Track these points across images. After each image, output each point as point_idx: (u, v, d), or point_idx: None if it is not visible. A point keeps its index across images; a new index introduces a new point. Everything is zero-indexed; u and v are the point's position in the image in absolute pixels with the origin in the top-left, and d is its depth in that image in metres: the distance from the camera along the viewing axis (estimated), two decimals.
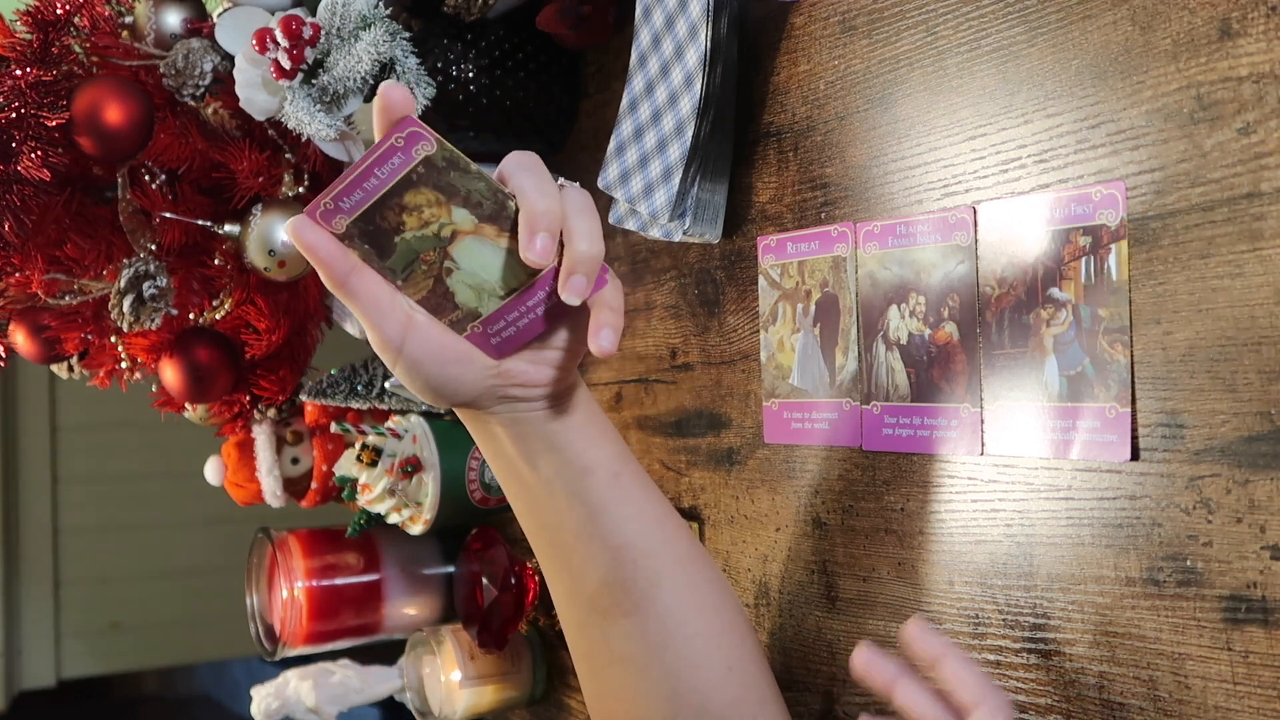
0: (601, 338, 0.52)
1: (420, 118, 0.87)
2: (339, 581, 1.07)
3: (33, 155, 0.79)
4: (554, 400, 0.59)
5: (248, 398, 1.05)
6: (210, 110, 0.93)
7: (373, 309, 0.54)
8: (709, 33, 0.72)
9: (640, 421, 0.90)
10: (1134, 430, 0.54)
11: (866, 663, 0.54)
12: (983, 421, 0.62)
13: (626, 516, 0.61)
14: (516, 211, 0.51)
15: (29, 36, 0.83)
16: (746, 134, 0.78)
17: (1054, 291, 0.58)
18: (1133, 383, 0.54)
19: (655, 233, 0.79)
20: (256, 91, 0.84)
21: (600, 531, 0.60)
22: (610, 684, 0.62)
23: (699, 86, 0.72)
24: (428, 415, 1.03)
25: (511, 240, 0.51)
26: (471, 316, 0.54)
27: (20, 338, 0.96)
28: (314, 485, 1.09)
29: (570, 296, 0.51)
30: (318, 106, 0.83)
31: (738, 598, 0.69)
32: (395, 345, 0.55)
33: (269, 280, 0.94)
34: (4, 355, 0.94)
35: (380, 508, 1.01)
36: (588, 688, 0.64)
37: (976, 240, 0.62)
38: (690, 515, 0.84)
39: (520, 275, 0.52)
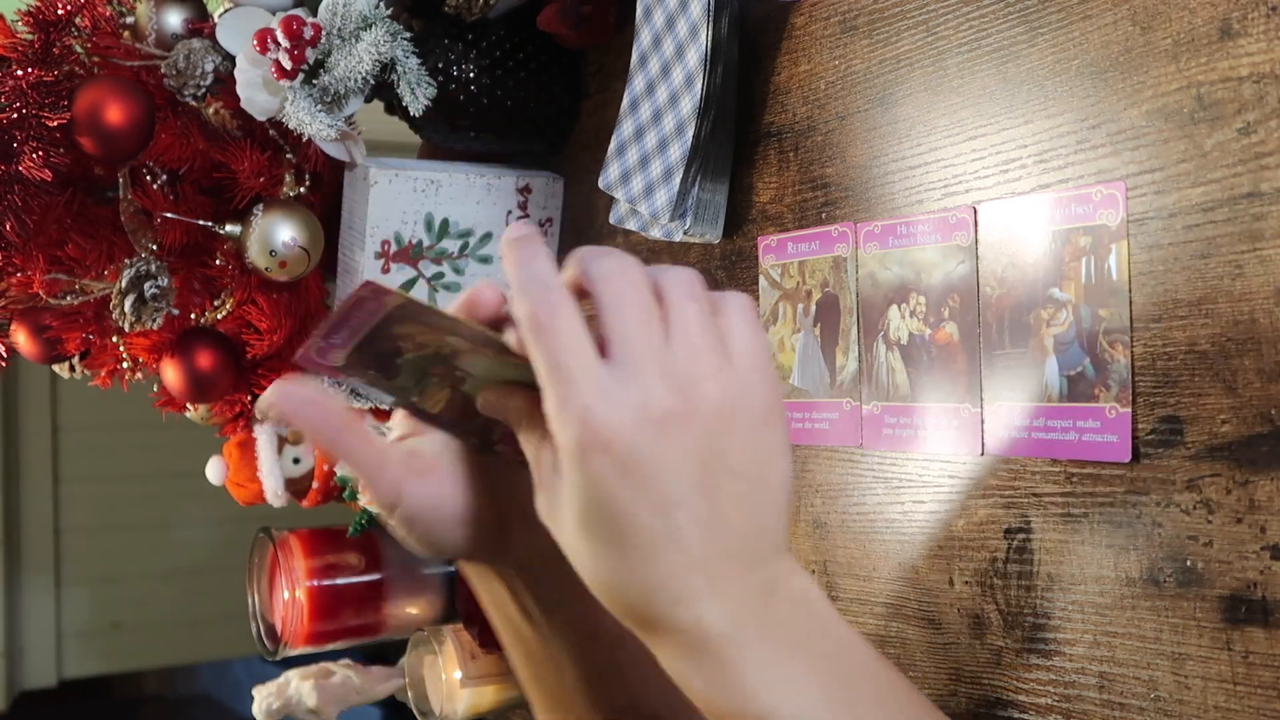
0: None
1: (421, 117, 0.87)
2: (340, 581, 1.07)
3: (34, 155, 0.79)
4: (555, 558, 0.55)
5: (249, 397, 1.05)
6: (211, 110, 0.93)
7: (365, 468, 0.51)
8: (709, 33, 0.72)
9: None
10: (1134, 430, 0.54)
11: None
12: (983, 421, 0.62)
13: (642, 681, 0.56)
14: (504, 343, 0.48)
15: (30, 37, 0.83)
16: (747, 134, 0.78)
17: (1054, 291, 0.58)
18: (1133, 383, 0.54)
19: (656, 233, 0.79)
20: (257, 92, 0.84)
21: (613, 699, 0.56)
22: None
23: (700, 86, 0.72)
24: None
25: (512, 356, 0.49)
26: (493, 425, 0.52)
27: (22, 338, 0.96)
28: (315, 485, 1.09)
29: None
30: (319, 107, 0.83)
31: None
32: (390, 502, 0.52)
33: (270, 280, 0.94)
34: (5, 355, 0.94)
35: None
36: None
37: (977, 240, 0.62)
38: None
39: (533, 385, 0.50)
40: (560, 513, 0.44)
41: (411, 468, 0.53)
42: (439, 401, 0.52)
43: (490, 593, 0.58)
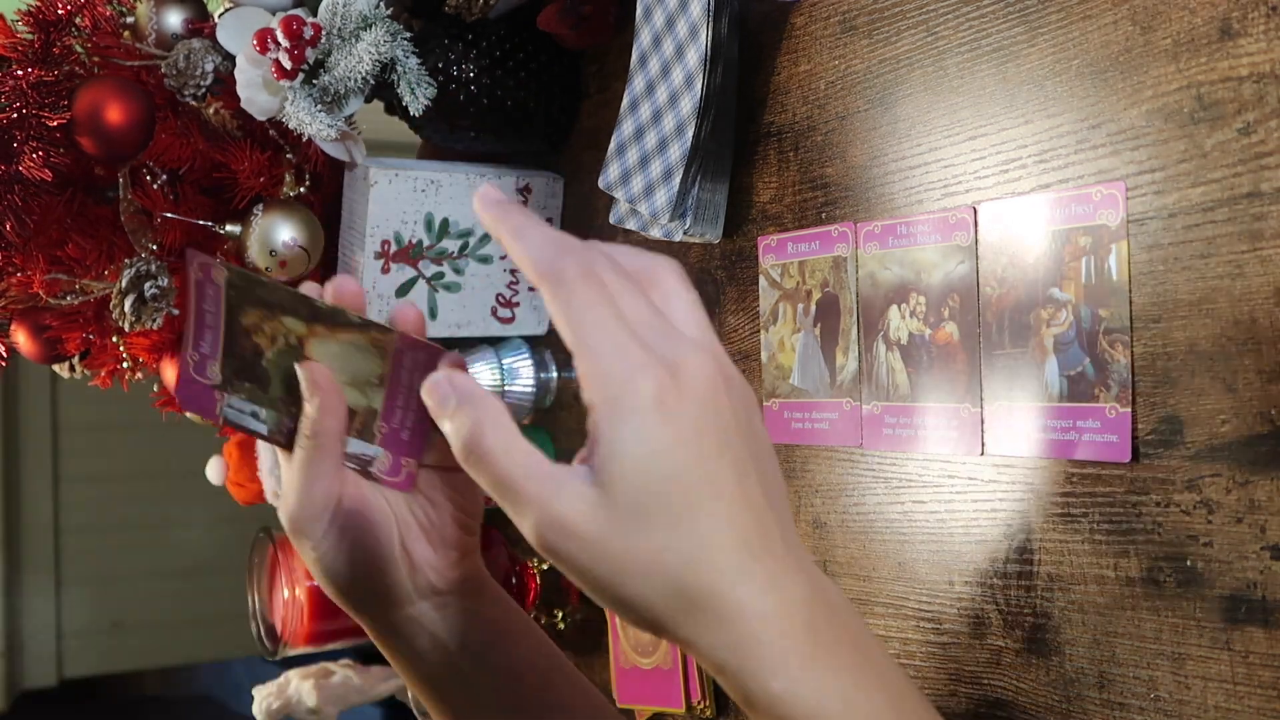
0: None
1: (421, 117, 0.87)
2: None
3: (34, 155, 0.79)
4: (464, 591, 0.55)
5: None
6: (211, 110, 0.93)
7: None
8: (709, 33, 0.72)
9: None
10: (1134, 430, 0.54)
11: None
12: (983, 421, 0.62)
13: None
14: (327, 307, 0.50)
15: (30, 36, 0.83)
16: (747, 134, 0.78)
17: (1054, 291, 0.58)
18: (1133, 383, 0.54)
19: (656, 233, 0.79)
20: (258, 92, 0.84)
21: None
22: None
23: (699, 86, 0.72)
24: None
25: (343, 332, 0.50)
26: (371, 415, 0.52)
27: (22, 338, 0.96)
28: None
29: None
30: (319, 106, 0.83)
31: None
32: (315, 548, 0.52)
33: None
34: (5, 355, 0.94)
35: None
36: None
37: (977, 240, 0.62)
38: None
39: (375, 361, 0.50)
40: (602, 518, 0.40)
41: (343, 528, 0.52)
42: None
43: (403, 644, 0.55)
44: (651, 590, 0.40)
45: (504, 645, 0.55)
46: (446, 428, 0.42)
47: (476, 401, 0.41)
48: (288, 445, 0.52)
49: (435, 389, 0.42)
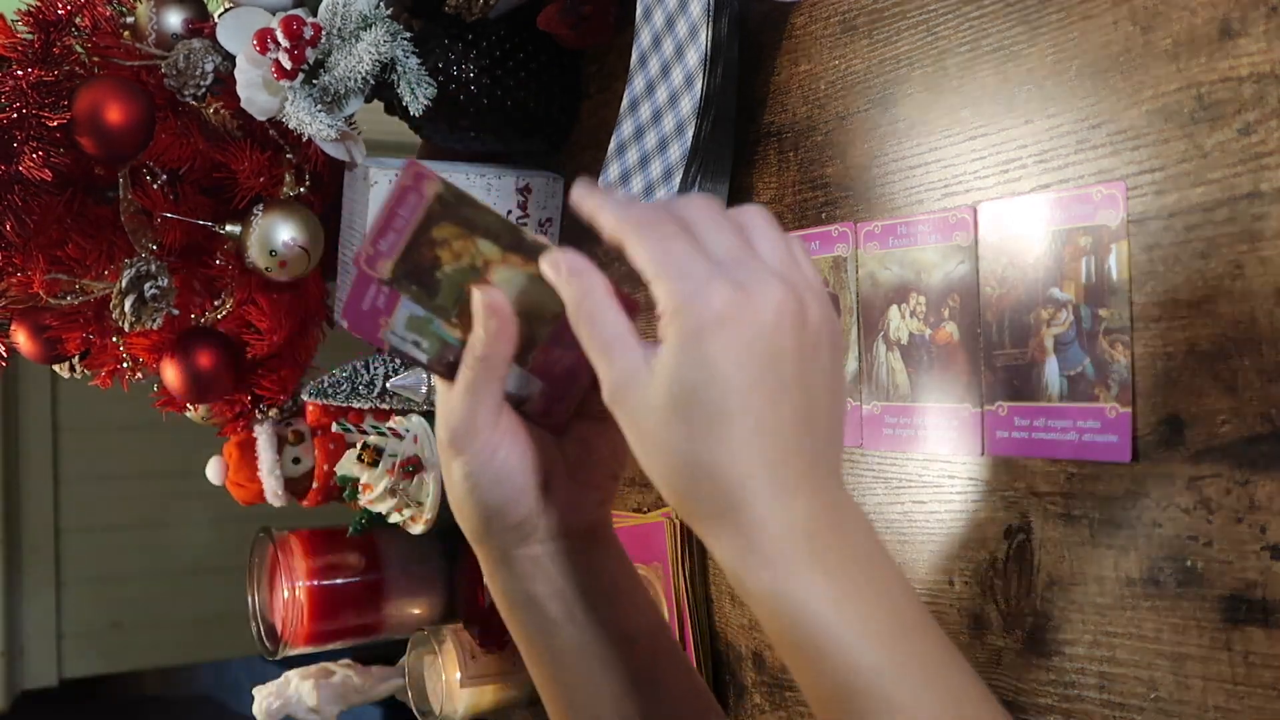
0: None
1: (421, 117, 0.87)
2: (340, 581, 1.07)
3: (34, 155, 0.79)
4: (590, 536, 0.55)
5: (249, 397, 1.05)
6: (211, 110, 0.93)
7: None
8: (709, 33, 0.72)
9: None
10: (1134, 430, 0.54)
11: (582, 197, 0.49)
12: (983, 421, 0.62)
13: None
14: (533, 240, 0.51)
15: (30, 36, 0.83)
16: (747, 134, 0.78)
17: (1054, 291, 0.58)
18: (1133, 383, 0.54)
19: None
20: (258, 92, 0.84)
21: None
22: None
23: (699, 86, 0.72)
24: (429, 415, 1.03)
25: (537, 266, 0.51)
26: (530, 345, 0.53)
27: (22, 338, 0.96)
28: (315, 485, 1.09)
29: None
30: (319, 106, 0.83)
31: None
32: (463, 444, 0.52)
33: (270, 280, 0.94)
34: (5, 355, 0.94)
35: (381, 507, 1.01)
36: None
37: (977, 240, 0.62)
38: None
39: (556, 299, 0.51)
40: (649, 400, 0.44)
41: (500, 441, 0.53)
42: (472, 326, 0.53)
43: (523, 586, 0.55)
44: (670, 476, 0.45)
45: (619, 606, 0.56)
46: (561, 292, 0.48)
47: (586, 274, 0.47)
48: (447, 375, 0.53)
49: (554, 259, 0.48)
